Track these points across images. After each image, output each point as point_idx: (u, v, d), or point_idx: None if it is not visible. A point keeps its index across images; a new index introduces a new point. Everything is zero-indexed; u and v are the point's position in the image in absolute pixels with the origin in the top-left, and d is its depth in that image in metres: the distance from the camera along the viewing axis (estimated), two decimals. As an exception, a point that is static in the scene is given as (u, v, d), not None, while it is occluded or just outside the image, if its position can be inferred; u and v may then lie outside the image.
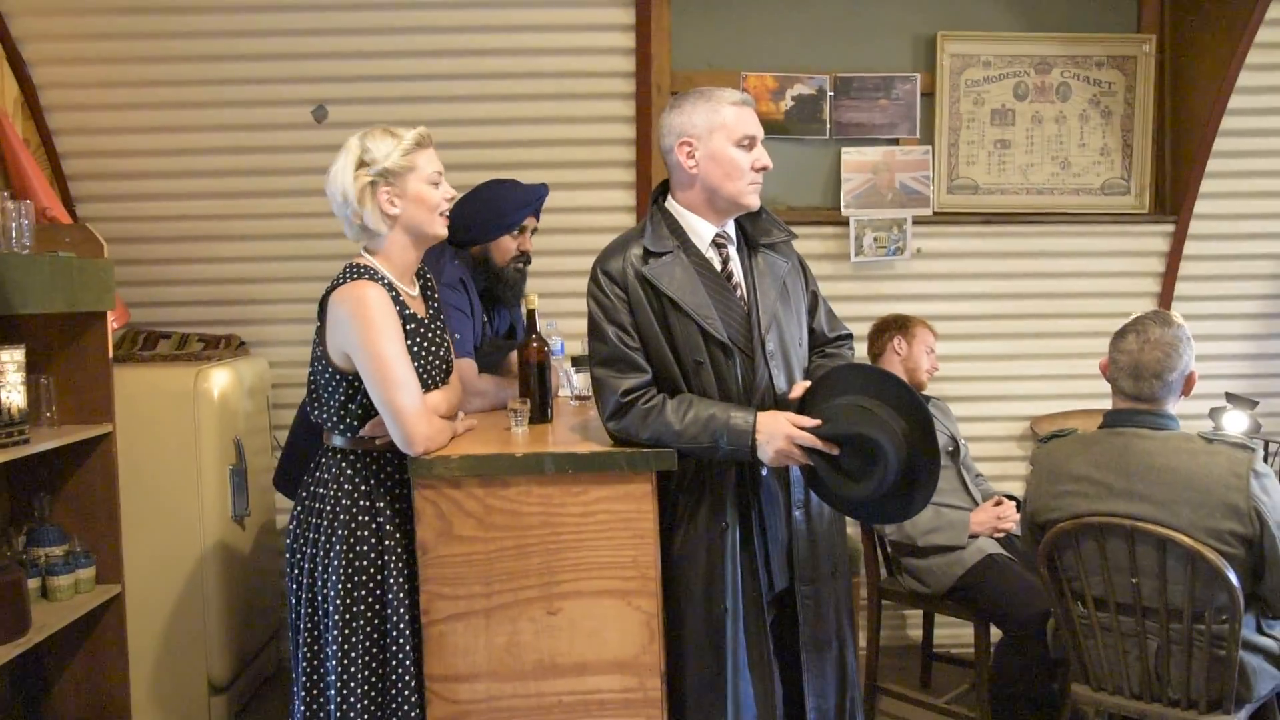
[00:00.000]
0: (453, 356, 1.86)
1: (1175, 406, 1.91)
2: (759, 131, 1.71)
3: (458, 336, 2.10)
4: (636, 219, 2.97)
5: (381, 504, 1.73)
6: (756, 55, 3.07)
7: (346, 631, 1.69)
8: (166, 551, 2.64)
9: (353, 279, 1.68)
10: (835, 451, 1.61)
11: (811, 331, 1.85)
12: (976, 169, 3.14)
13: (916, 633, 3.21)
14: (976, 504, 2.62)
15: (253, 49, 2.88)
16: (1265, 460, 3.00)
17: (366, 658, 1.70)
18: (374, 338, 1.63)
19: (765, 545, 1.72)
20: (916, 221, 3.11)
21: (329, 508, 1.73)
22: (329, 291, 1.70)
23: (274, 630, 3.12)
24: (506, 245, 2.24)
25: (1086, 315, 3.17)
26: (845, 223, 3.10)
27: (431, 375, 1.76)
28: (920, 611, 3.00)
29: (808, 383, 1.68)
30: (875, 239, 3.10)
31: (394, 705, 1.69)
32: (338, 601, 1.69)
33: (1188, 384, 1.90)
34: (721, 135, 1.68)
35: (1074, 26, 3.10)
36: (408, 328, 1.72)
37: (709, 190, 1.71)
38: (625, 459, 1.64)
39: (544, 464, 1.63)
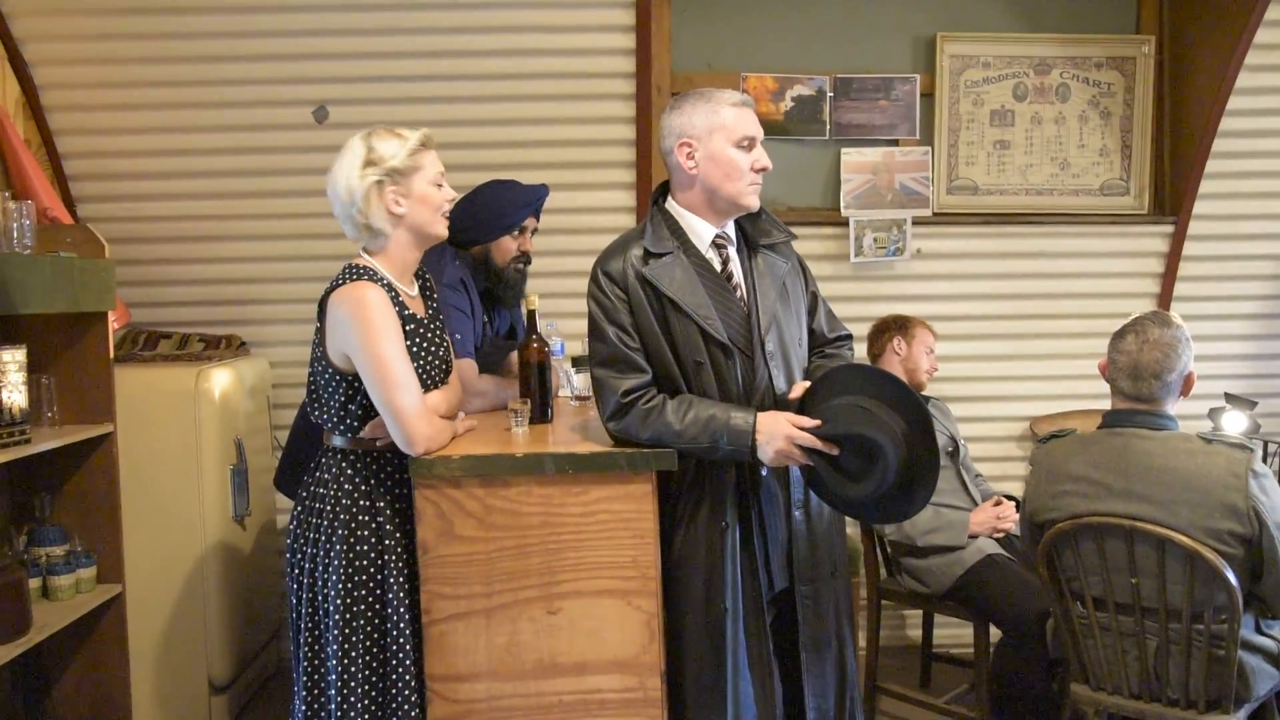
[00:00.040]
0: (452, 357, 1.87)
1: (1174, 407, 1.92)
2: (759, 132, 1.72)
3: (458, 337, 2.11)
4: (637, 220, 2.98)
5: (381, 504, 1.73)
6: (756, 56, 3.07)
7: (347, 631, 1.69)
8: (167, 551, 2.65)
9: (352, 280, 1.68)
10: (835, 452, 1.61)
11: (811, 332, 1.85)
12: (976, 170, 3.15)
13: (916, 633, 3.21)
14: (976, 504, 2.62)
15: (253, 50, 2.88)
16: (1264, 460, 3.02)
17: (367, 657, 1.70)
18: (373, 338, 1.63)
19: (765, 545, 1.73)
20: (916, 222, 3.11)
21: (329, 508, 1.73)
22: (328, 292, 1.70)
23: (274, 630, 3.12)
24: (507, 246, 2.24)
25: (1086, 316, 3.17)
26: (845, 223, 3.10)
27: (431, 375, 1.77)
28: (920, 611, 3.00)
29: (807, 383, 1.69)
30: (875, 239, 3.10)
31: (394, 705, 1.70)
32: (338, 601, 1.70)
33: (1186, 384, 1.91)
34: (721, 136, 1.68)
35: (1073, 27, 3.11)
36: (407, 328, 1.72)
37: (709, 191, 1.71)
38: (625, 459, 1.64)
39: (544, 464, 1.63)
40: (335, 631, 1.70)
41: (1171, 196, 3.16)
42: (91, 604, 2.31)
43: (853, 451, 1.60)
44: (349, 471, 1.74)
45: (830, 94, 3.08)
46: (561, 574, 1.64)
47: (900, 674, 3.00)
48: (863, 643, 2.61)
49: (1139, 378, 1.87)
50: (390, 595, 1.70)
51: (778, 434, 1.61)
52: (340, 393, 1.71)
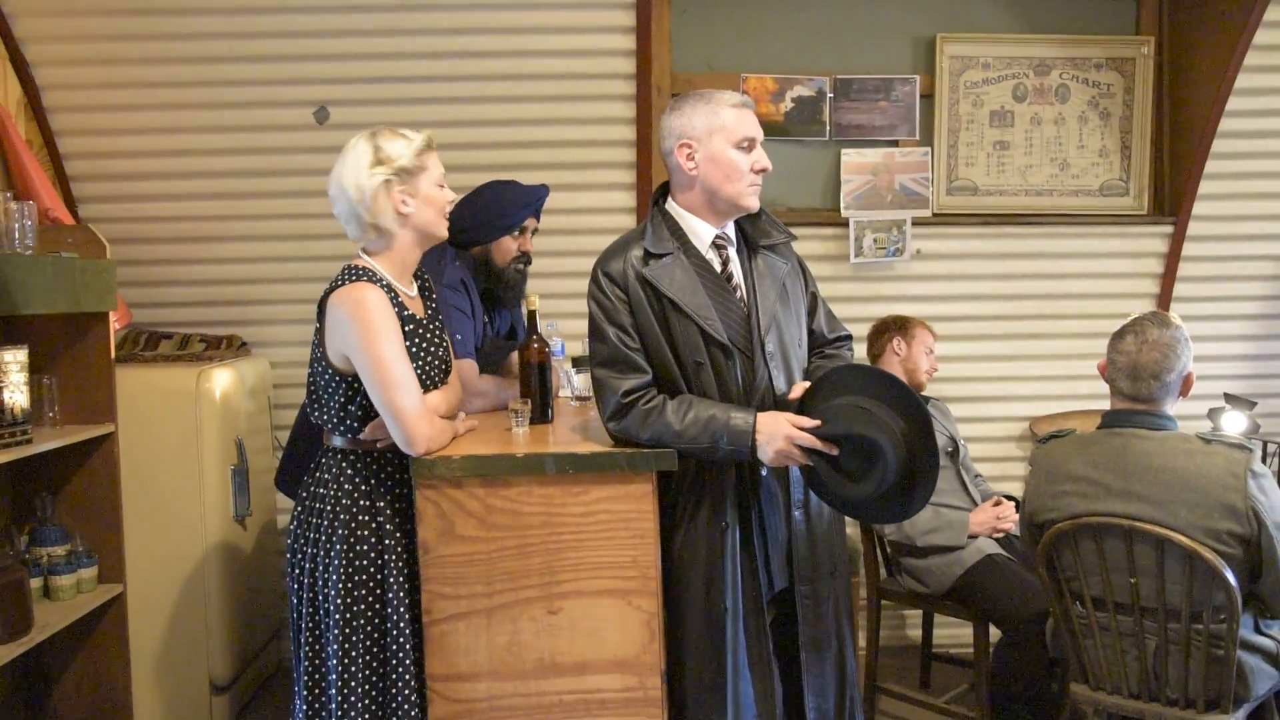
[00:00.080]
0: (451, 357, 1.87)
1: (1173, 407, 1.92)
2: (758, 133, 1.72)
3: (459, 337, 2.11)
4: (637, 220, 2.98)
5: (382, 504, 1.74)
6: (756, 57, 3.08)
7: (347, 631, 1.70)
8: (168, 551, 2.65)
9: (351, 281, 1.68)
10: (835, 452, 1.62)
11: (811, 332, 1.86)
12: (976, 170, 3.15)
13: (916, 633, 3.21)
14: (976, 504, 2.63)
15: (254, 51, 2.88)
16: (1263, 461, 3.02)
17: (367, 657, 1.71)
18: (373, 340, 1.64)
19: (765, 545, 1.73)
20: (916, 223, 3.12)
21: (329, 508, 1.73)
22: (327, 293, 1.71)
23: (275, 630, 3.12)
24: (507, 246, 2.25)
25: (1085, 316, 3.18)
26: (845, 224, 3.11)
27: (430, 376, 1.77)
28: (920, 611, 3.01)
29: (807, 383, 1.69)
30: (875, 240, 3.10)
31: (394, 705, 1.70)
32: (338, 601, 1.70)
33: (1186, 385, 1.91)
34: (721, 137, 1.69)
35: (1073, 28, 3.11)
36: (406, 329, 1.72)
37: (709, 192, 1.72)
38: (626, 459, 1.65)
39: (545, 464, 1.63)
40: (335, 631, 1.70)
41: (1171, 197, 3.17)
42: (93, 604, 2.32)
43: (852, 452, 1.61)
44: (349, 472, 1.74)
45: (830, 95, 3.09)
46: (562, 574, 1.65)
47: (900, 674, 3.00)
48: (863, 643, 2.61)
49: (1138, 378, 1.88)
50: (390, 595, 1.71)
51: (778, 434, 1.61)
52: (340, 393, 1.72)
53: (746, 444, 1.62)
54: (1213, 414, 3.08)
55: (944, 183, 3.14)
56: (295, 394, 2.90)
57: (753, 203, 1.74)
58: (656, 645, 1.66)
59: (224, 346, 3.00)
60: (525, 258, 2.28)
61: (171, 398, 2.64)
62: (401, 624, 1.70)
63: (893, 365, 2.74)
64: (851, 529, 2.70)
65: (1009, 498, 2.65)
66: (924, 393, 2.80)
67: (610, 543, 1.65)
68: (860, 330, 2.74)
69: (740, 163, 1.70)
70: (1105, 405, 1.98)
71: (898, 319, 2.82)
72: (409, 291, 1.78)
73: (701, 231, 1.74)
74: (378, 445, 1.74)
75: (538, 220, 2.32)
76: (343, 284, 1.69)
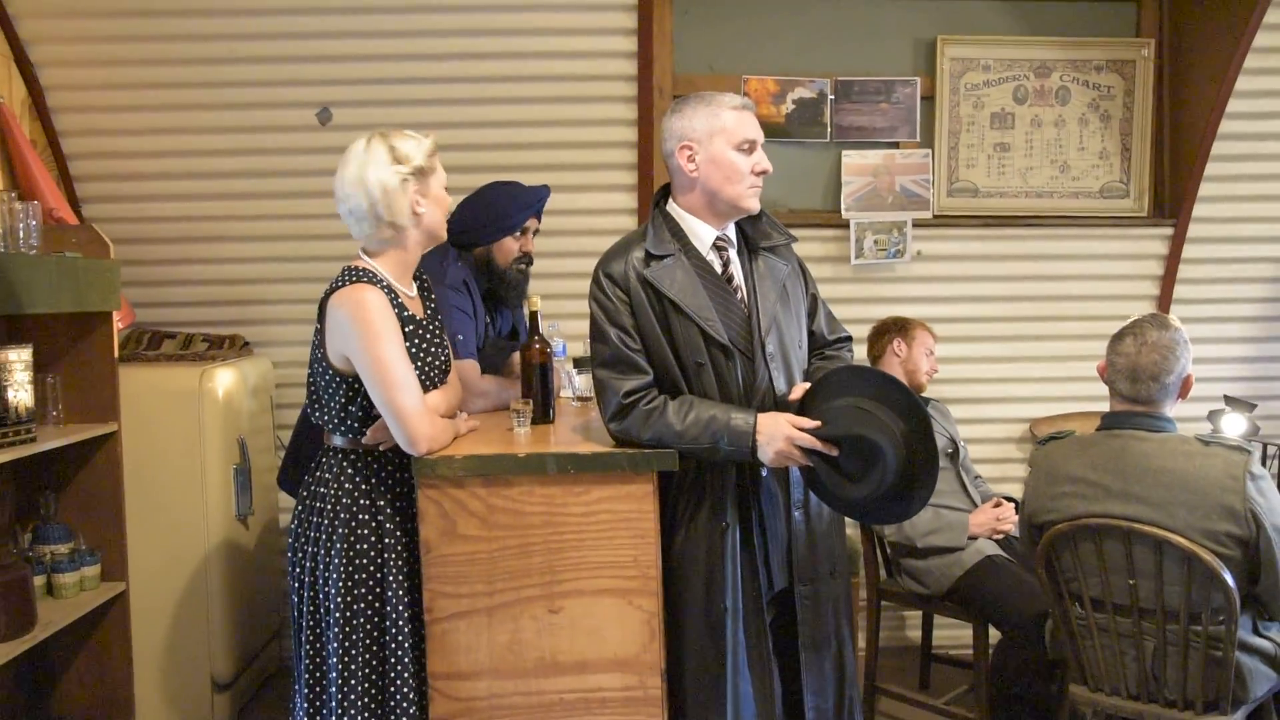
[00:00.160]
0: (450, 356, 1.88)
1: (1173, 409, 1.93)
2: (759, 135, 1.73)
3: (461, 337, 2.12)
4: (638, 222, 2.99)
5: (382, 503, 1.74)
6: (758, 59, 3.08)
7: (347, 629, 1.71)
8: (171, 550, 2.66)
9: (351, 282, 1.69)
10: (834, 452, 1.62)
11: (811, 334, 1.87)
12: (976, 172, 3.16)
13: (916, 633, 3.22)
14: (976, 505, 2.63)
15: (258, 52, 2.89)
16: (1263, 463, 3.03)
17: (367, 655, 1.71)
18: (373, 341, 1.64)
19: (765, 545, 1.74)
20: (916, 224, 3.12)
21: (329, 507, 1.74)
22: (328, 294, 1.71)
23: (277, 628, 3.13)
24: (509, 246, 2.26)
25: (1085, 318, 3.18)
26: (845, 225, 3.11)
27: (430, 376, 1.78)
28: (919, 612, 3.01)
29: (807, 384, 1.70)
30: (875, 241, 3.11)
31: (393, 703, 1.71)
32: (339, 600, 1.71)
33: (1185, 387, 1.92)
34: (721, 139, 1.69)
35: (1073, 30, 3.12)
36: (406, 329, 1.73)
37: (709, 194, 1.72)
38: (627, 459, 1.65)
39: (546, 464, 1.64)
40: (336, 630, 1.71)
41: (1171, 199, 3.17)
42: (95, 602, 2.33)
43: (852, 452, 1.61)
44: (349, 471, 1.75)
45: (831, 96, 3.10)
46: (563, 573, 1.65)
47: (900, 675, 3.01)
48: (862, 643, 2.62)
49: (1137, 380, 1.88)
50: (390, 594, 1.71)
51: (778, 435, 1.62)
52: (341, 394, 1.73)
53: (747, 444, 1.63)
54: (1213, 416, 3.09)
55: (944, 184, 3.15)
56: (297, 393, 2.90)
57: (753, 204, 1.74)
58: (657, 644, 1.67)
59: (226, 346, 3.01)
60: (527, 258, 2.29)
61: (174, 397, 2.64)
62: (401, 622, 1.71)
63: (893, 366, 2.75)
64: (851, 530, 2.71)
65: (1009, 499, 2.66)
66: (924, 394, 2.81)
67: (611, 542, 1.65)
68: (860, 331, 2.75)
69: (741, 165, 1.70)
70: (1105, 407, 1.98)
71: (898, 320, 2.82)
72: (409, 292, 1.79)
73: (702, 233, 1.75)
74: (380, 448, 1.75)
75: (539, 221, 2.33)
76: (343, 285, 1.70)
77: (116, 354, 2.43)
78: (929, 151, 3.12)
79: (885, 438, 1.58)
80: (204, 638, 2.69)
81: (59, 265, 2.20)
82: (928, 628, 2.98)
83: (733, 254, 1.78)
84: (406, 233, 1.74)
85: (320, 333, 1.73)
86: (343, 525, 1.72)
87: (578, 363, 2.16)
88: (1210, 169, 3.08)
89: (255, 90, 2.93)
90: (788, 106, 3.09)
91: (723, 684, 1.68)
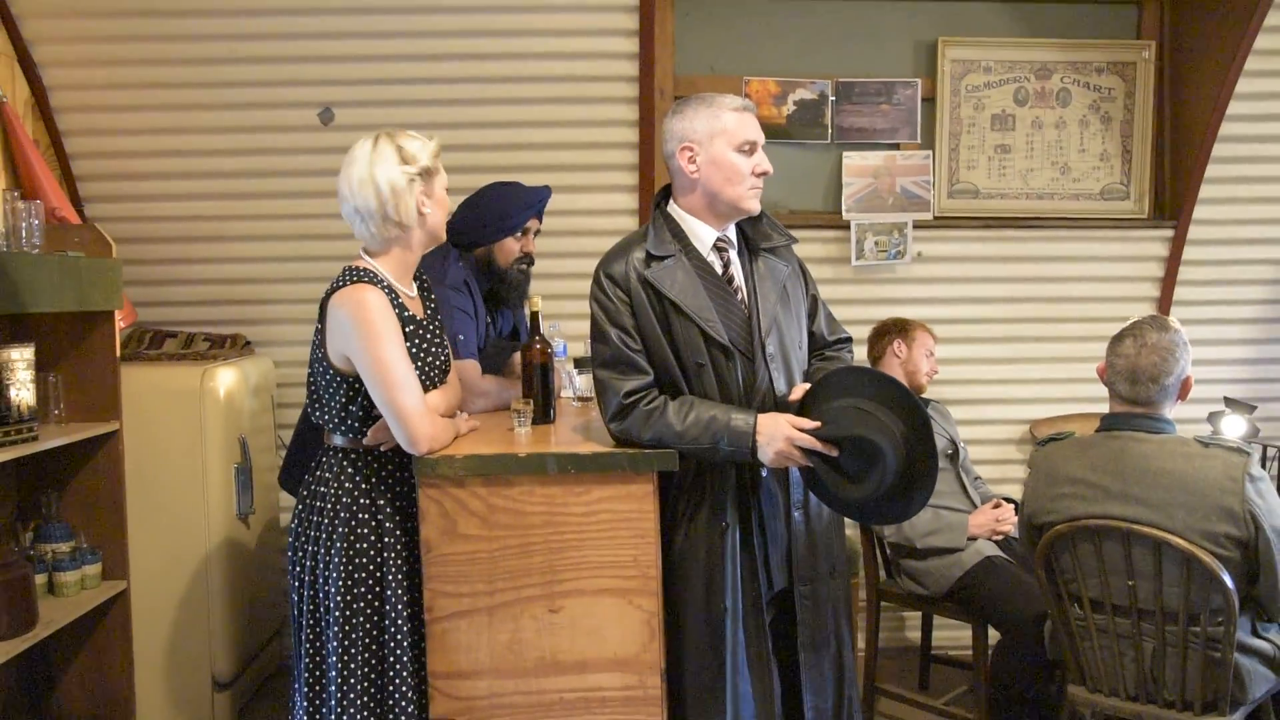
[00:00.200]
0: (450, 356, 1.88)
1: (1172, 410, 1.93)
2: (759, 137, 1.73)
3: (462, 338, 2.12)
4: (639, 222, 2.99)
5: (382, 502, 1.75)
6: (759, 60, 3.09)
7: (347, 628, 1.71)
8: (172, 549, 2.66)
9: (352, 282, 1.69)
10: (834, 453, 1.63)
11: (811, 335, 1.87)
12: (977, 174, 3.16)
13: (915, 634, 3.22)
14: (975, 506, 2.64)
15: (260, 52, 2.90)
16: (1263, 465, 3.03)
17: (366, 654, 1.72)
18: (374, 340, 1.65)
19: (765, 545, 1.74)
20: (917, 225, 3.13)
21: (329, 506, 1.75)
22: (328, 294, 1.72)
23: (277, 627, 3.14)
24: (510, 247, 2.26)
25: (1085, 319, 3.19)
26: (846, 226, 3.12)
27: (430, 376, 1.78)
28: (919, 613, 3.02)
29: (807, 385, 1.70)
30: (876, 243, 3.12)
31: (391, 702, 1.72)
32: (338, 599, 1.71)
33: (1184, 388, 1.92)
34: (722, 140, 1.70)
35: (1074, 32, 3.12)
36: (406, 329, 1.73)
37: (710, 195, 1.73)
38: (627, 460, 1.66)
39: (547, 464, 1.65)
40: (335, 629, 1.71)
41: (1171, 201, 3.18)
42: (96, 600, 2.33)
43: (852, 453, 1.62)
44: (349, 470, 1.75)
45: (832, 98, 3.10)
46: (563, 573, 1.66)
47: (899, 675, 3.01)
48: (862, 644, 2.62)
49: (1136, 381, 1.89)
50: (389, 593, 1.72)
51: (778, 435, 1.63)
52: (341, 394, 1.73)
53: (747, 445, 1.63)
54: (1213, 418, 3.09)
55: (945, 186, 3.15)
56: (298, 393, 2.91)
57: (754, 205, 1.75)
58: (656, 644, 1.67)
59: (228, 345, 3.01)
60: (528, 259, 2.29)
61: (176, 396, 2.65)
62: (400, 621, 1.71)
63: (893, 367, 2.75)
64: (851, 530, 2.71)
65: (1008, 500, 2.66)
66: (924, 395, 2.81)
67: (611, 542, 1.66)
68: (861, 332, 2.75)
69: (741, 166, 1.71)
70: (1105, 408, 1.99)
71: (898, 321, 2.83)
72: (409, 292, 1.80)
73: (703, 234, 1.76)
74: (381, 448, 1.76)
75: (540, 221, 2.33)
76: (343, 285, 1.70)
77: (118, 353, 2.43)
78: (930, 153, 3.13)
79: (885, 438, 1.58)
80: (205, 636, 2.69)
81: (61, 264, 2.20)
82: (927, 628, 2.98)
83: (733, 255, 1.78)
84: (411, 233, 1.74)
85: (321, 332, 1.74)
86: (343, 524, 1.73)
87: (578, 363, 2.16)
88: (1211, 171, 3.08)
89: (257, 90, 2.94)
90: (789, 108, 3.10)
91: (722, 684, 1.69)
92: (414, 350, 1.74)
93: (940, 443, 2.45)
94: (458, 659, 1.66)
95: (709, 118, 1.71)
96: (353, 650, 1.71)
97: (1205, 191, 3.11)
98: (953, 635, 3.08)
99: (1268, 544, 1.78)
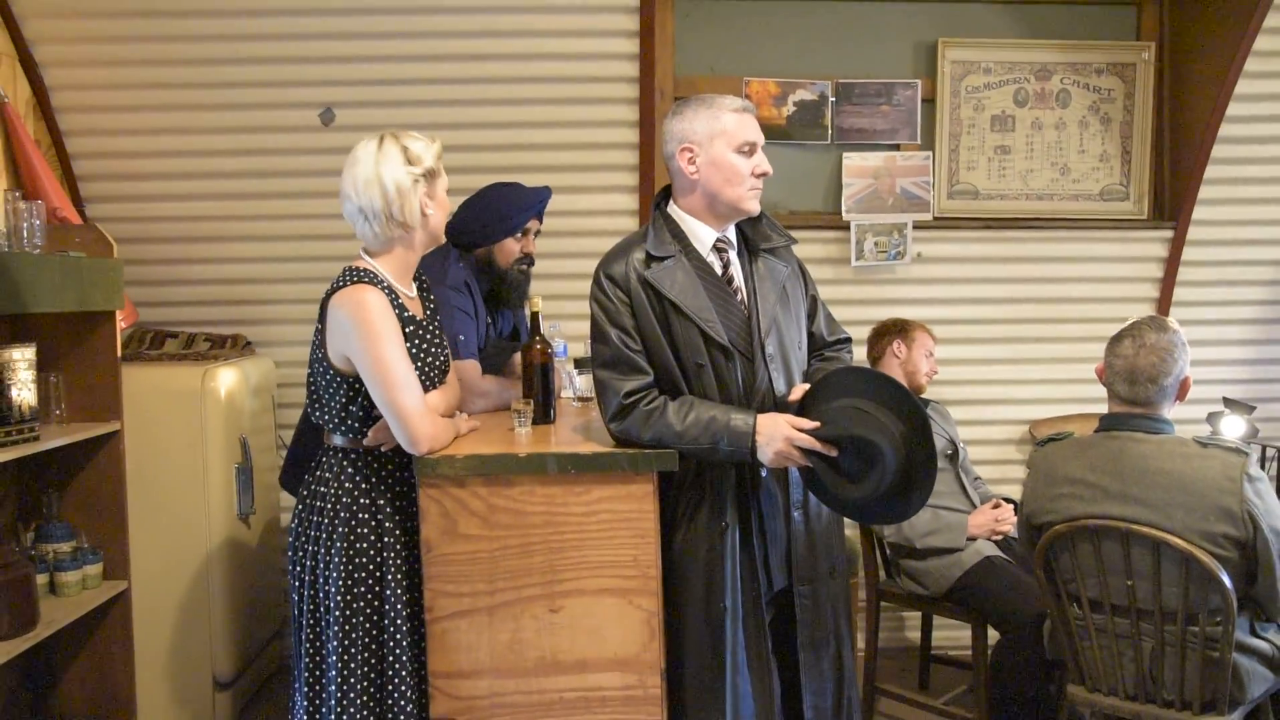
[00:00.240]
0: (449, 356, 1.89)
1: (1171, 411, 1.93)
2: (759, 138, 1.74)
3: (462, 338, 2.13)
4: (639, 223, 3.00)
5: (382, 501, 1.75)
6: (759, 61, 3.09)
7: (347, 628, 1.72)
8: (173, 548, 2.67)
9: (352, 282, 1.70)
10: (834, 453, 1.63)
11: (811, 335, 1.87)
12: (977, 174, 3.17)
13: (915, 634, 3.23)
14: (975, 507, 2.64)
15: (261, 52, 2.91)
16: (1262, 465, 3.03)
17: (366, 654, 1.72)
18: (374, 341, 1.65)
19: (764, 545, 1.74)
20: (917, 226, 3.13)
21: (330, 506, 1.75)
22: (329, 295, 1.72)
23: (278, 627, 3.14)
24: (510, 247, 2.26)
25: (1085, 320, 3.19)
26: (846, 227, 3.12)
27: (430, 376, 1.79)
28: (919, 613, 3.02)
29: (807, 385, 1.71)
30: (876, 243, 3.12)
31: (390, 701, 1.72)
32: (338, 598, 1.72)
33: (1183, 389, 1.92)
34: (722, 141, 1.70)
35: (1074, 34, 3.13)
36: (406, 330, 1.74)
37: (710, 195, 1.73)
38: (627, 460, 1.66)
39: (547, 464, 1.65)
40: (335, 629, 1.72)
41: (1171, 202, 3.18)
42: (97, 600, 2.33)
43: (851, 453, 1.62)
44: (349, 470, 1.76)
45: (832, 99, 3.11)
46: (563, 572, 1.66)
47: (899, 675, 3.01)
48: (862, 644, 2.63)
49: (1135, 382, 1.89)
50: (389, 593, 1.72)
51: (777, 435, 1.63)
52: (341, 394, 1.73)
53: (746, 445, 1.64)
54: (1212, 418, 3.10)
55: (945, 186, 3.16)
56: (299, 393, 2.90)
57: (753, 206, 1.75)
58: (656, 644, 1.68)
59: (229, 346, 3.02)
60: (528, 259, 2.30)
61: (177, 396, 2.65)
62: (399, 621, 1.72)
63: (893, 368, 2.76)
64: (851, 530, 2.72)
65: (1008, 500, 2.66)
66: (924, 395, 2.82)
67: (611, 542, 1.66)
68: (860, 333, 2.76)
69: (741, 167, 1.71)
70: (1104, 408, 1.99)
71: (898, 322, 2.83)
72: (409, 293, 1.80)
73: (703, 235, 1.76)
74: (381, 448, 1.76)
75: (540, 222, 2.34)
76: (344, 285, 1.70)
77: (119, 353, 2.43)
78: (929, 154, 3.13)
79: (884, 438, 1.58)
80: (206, 636, 2.70)
81: (62, 264, 2.21)
82: (927, 628, 2.98)
83: (733, 255, 1.78)
84: (414, 234, 1.75)
85: (321, 332, 1.74)
86: (343, 524, 1.73)
87: (578, 363, 2.17)
88: (1210, 172, 3.08)
89: (258, 91, 2.94)
90: (789, 109, 3.10)
91: (722, 683, 1.69)
92: (414, 350, 1.75)
93: (940, 443, 2.46)
94: (458, 658, 1.67)
95: (709, 119, 1.71)
96: (352, 650, 1.72)
97: (1204, 192, 3.11)
98: (953, 635, 3.09)
99: (1266, 544, 1.79)
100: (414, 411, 1.66)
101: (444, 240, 1.86)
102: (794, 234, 1.87)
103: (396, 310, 1.72)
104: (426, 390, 1.76)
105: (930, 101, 3.12)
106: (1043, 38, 3.12)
